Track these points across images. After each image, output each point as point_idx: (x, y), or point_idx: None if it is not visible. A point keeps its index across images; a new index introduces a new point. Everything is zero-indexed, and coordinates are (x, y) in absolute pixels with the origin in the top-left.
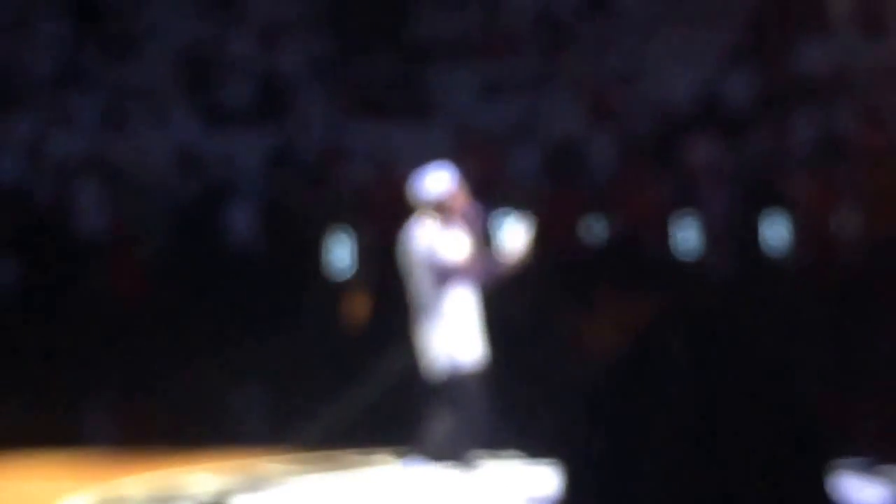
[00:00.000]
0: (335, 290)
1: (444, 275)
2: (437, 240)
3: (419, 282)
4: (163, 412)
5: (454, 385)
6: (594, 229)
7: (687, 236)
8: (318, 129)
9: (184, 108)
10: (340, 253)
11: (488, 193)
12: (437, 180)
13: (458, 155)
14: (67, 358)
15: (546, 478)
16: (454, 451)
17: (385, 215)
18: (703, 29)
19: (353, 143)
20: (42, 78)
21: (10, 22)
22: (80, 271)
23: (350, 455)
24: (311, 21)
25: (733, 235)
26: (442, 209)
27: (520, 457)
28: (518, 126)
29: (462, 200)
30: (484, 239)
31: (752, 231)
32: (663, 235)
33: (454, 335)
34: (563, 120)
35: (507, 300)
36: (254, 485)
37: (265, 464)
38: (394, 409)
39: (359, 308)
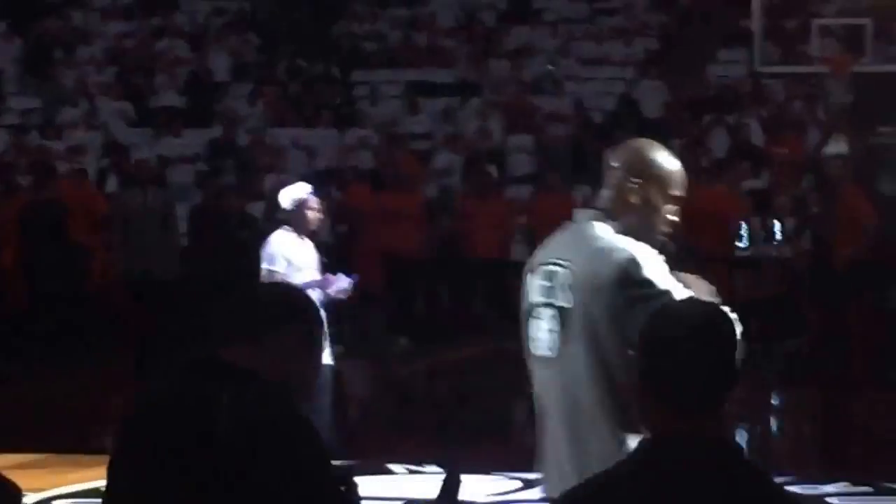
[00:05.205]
0: None
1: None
2: (283, 248)
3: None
4: None
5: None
6: None
7: None
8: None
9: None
10: None
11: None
12: (290, 194)
13: (381, 158)
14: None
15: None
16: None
17: None
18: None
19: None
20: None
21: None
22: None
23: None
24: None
25: None
26: (293, 220)
27: None
28: (440, 132)
29: (312, 216)
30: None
31: None
32: None
33: None
34: (483, 126)
35: None
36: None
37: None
38: None
39: None
